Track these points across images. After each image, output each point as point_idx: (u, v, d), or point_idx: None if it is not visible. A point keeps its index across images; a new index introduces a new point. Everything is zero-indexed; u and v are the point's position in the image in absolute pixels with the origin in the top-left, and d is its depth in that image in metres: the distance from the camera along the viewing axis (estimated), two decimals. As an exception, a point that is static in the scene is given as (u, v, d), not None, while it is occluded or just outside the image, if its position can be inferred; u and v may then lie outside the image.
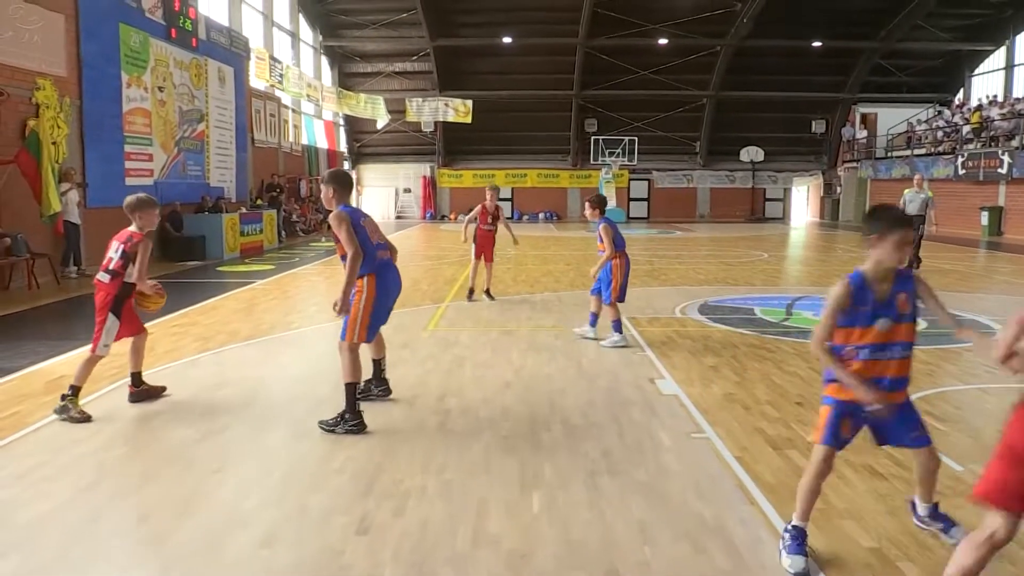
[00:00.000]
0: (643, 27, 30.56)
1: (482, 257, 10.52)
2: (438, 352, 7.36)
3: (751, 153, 35.50)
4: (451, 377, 6.44)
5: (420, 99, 32.77)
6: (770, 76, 33.05)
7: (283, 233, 21.79)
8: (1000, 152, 24.18)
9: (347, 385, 4.96)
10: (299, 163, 27.43)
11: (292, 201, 25.05)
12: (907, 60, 32.25)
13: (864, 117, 34.83)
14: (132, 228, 5.45)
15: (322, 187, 4.99)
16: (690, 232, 25.88)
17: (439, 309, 9.79)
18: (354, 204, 5.03)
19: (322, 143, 30.66)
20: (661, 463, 4.46)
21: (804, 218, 37.55)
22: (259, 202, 21.83)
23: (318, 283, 12.74)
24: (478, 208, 10.65)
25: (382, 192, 36.47)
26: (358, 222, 4.85)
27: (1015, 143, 24.21)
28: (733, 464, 4.43)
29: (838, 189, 35.25)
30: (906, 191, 14.50)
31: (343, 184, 4.94)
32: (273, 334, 8.21)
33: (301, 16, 29.94)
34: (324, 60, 32.64)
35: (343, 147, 34.73)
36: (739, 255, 17.69)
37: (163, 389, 5.85)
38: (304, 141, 28.24)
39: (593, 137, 34.16)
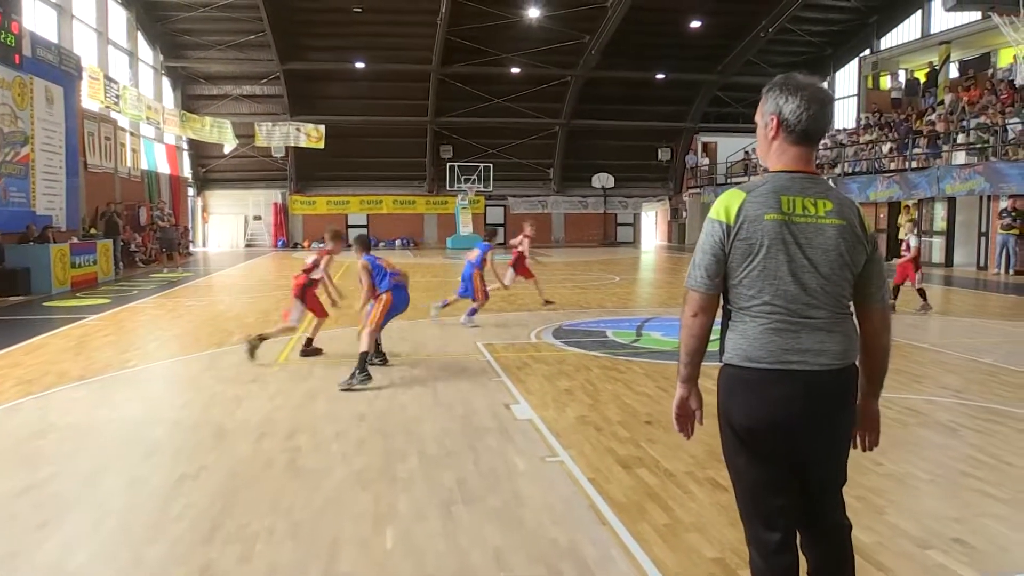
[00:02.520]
0: (496, 56, 31.25)
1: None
2: (289, 386, 7.13)
3: (602, 179, 36.94)
4: (302, 412, 6.25)
5: (270, 123, 31.90)
6: (618, 106, 34.63)
7: (120, 264, 20.50)
8: (826, 178, 26.35)
9: (361, 353, 7.14)
10: (138, 189, 25.96)
11: (130, 230, 23.64)
12: (742, 92, 34.67)
13: (705, 145, 37.10)
14: None
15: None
16: (546, 256, 26.46)
17: (290, 341, 9.50)
18: (371, 253, 7.89)
19: (164, 168, 29.19)
20: (516, 489, 4.51)
21: (653, 242, 39.44)
22: (93, 231, 20.44)
23: (159, 317, 12.04)
24: (526, 241, 13.05)
25: (230, 219, 35.09)
26: (374, 262, 7.75)
27: (837, 170, 26.52)
28: (586, 485, 4.54)
29: (684, 214, 37.27)
30: None
31: (363, 244, 7.97)
32: (107, 374, 7.69)
33: (140, 34, 28.52)
34: (166, 81, 31.18)
35: (187, 172, 33.20)
36: (592, 279, 18.30)
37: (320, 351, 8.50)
38: (144, 166, 26.78)
39: (449, 163, 34.47)
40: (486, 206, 36.36)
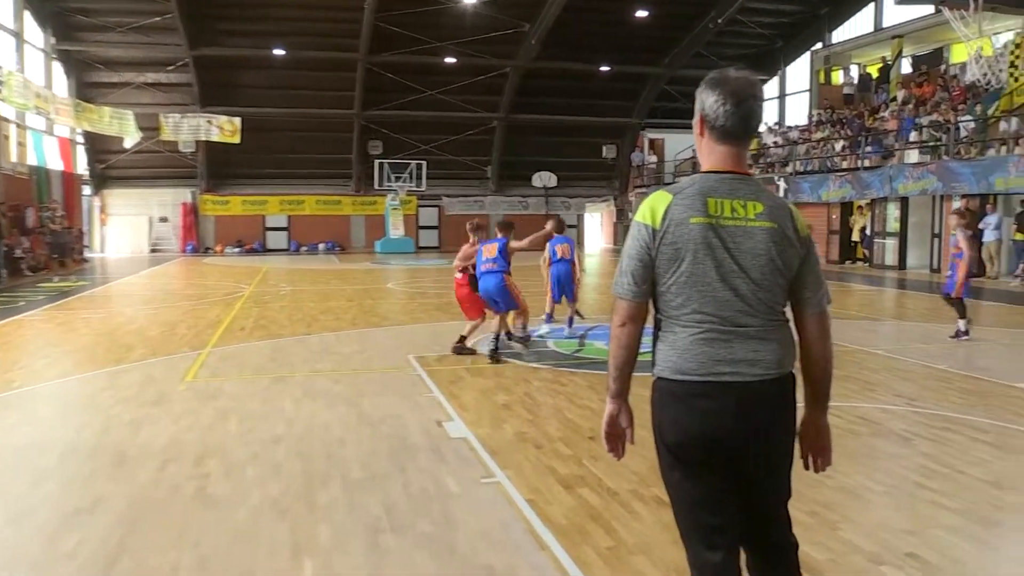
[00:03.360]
0: (429, 44, 31.18)
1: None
2: (197, 406, 6.96)
3: (543, 178, 37.19)
4: (212, 434, 6.11)
5: (178, 115, 31.13)
6: (560, 99, 34.92)
7: (3, 272, 19.73)
8: (776, 178, 27.05)
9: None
10: (26, 187, 25.04)
11: (16, 233, 22.78)
12: (691, 87, 34.91)
13: (652, 142, 37.71)
14: None
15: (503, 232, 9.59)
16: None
17: (200, 357, 9.29)
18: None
19: (55, 164, 28.24)
20: (449, 513, 4.48)
21: (598, 244, 39.87)
22: (-29, 235, 19.65)
23: (48, 332, 11.63)
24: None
25: (132, 222, 34.14)
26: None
27: (789, 169, 27.24)
28: (524, 508, 4.55)
29: (630, 215, 37.77)
30: None
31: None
32: (-13, 395, 7.39)
33: (28, 14, 27.58)
34: (58, 66, 30.20)
35: (82, 169, 32.19)
36: (534, 284, 18.34)
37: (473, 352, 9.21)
38: (32, 161, 25.86)
39: (378, 160, 34.20)
40: (418, 207, 36.25)
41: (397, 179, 34.07)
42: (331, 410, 6.81)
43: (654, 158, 37.19)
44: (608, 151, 37.86)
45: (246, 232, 34.78)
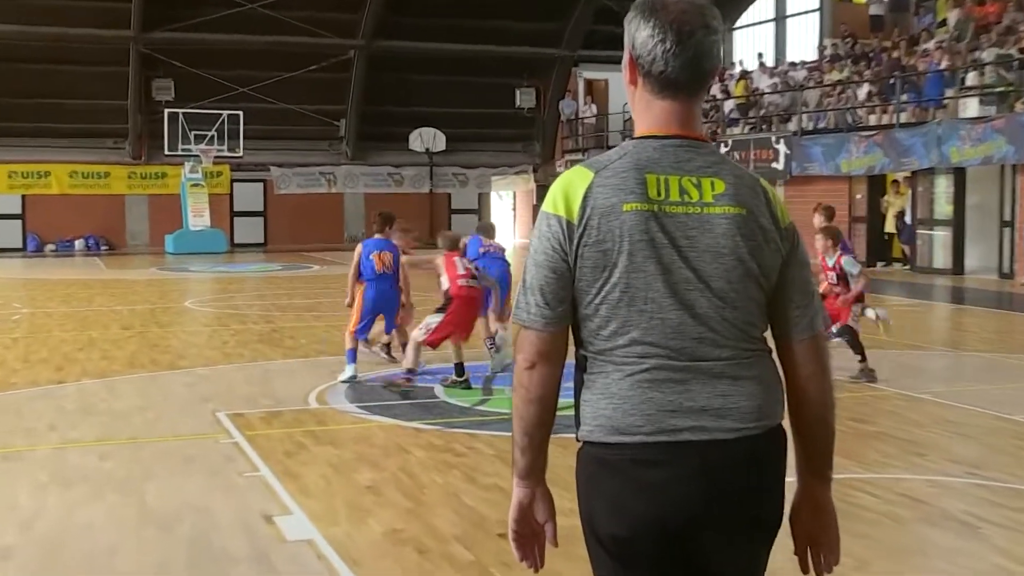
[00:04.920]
0: (247, -69, 30.92)
1: None
2: None
3: (427, 138, 37.16)
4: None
5: None
6: (450, 19, 34.93)
7: None
8: (774, 139, 27.74)
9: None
10: None
11: None
12: (645, 3, 35.92)
13: (591, 85, 38.13)
14: None
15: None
16: (334, 267, 26.31)
17: None
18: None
19: None
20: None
21: (510, 239, 39.89)
22: None
23: None
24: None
25: None
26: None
27: (792, 126, 27.91)
28: (403, 648, 4.49)
29: (558, 195, 38.03)
30: None
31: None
32: None
33: None
34: None
35: None
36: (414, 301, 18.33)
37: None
38: None
39: (169, 110, 33.58)
40: (233, 182, 35.79)
41: (200, 139, 33.55)
42: (95, 502, 6.64)
43: (594, 108, 37.58)
44: (524, 98, 38.06)
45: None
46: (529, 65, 37.53)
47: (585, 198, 2.42)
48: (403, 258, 11.04)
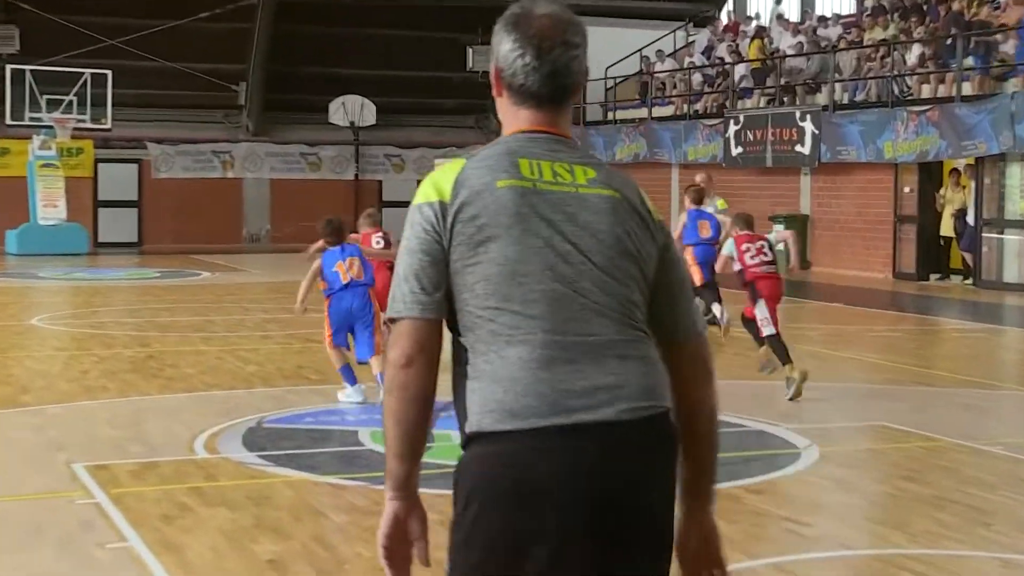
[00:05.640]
0: None
1: None
2: None
3: (352, 109, 37.10)
4: None
5: None
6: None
7: None
8: (798, 115, 27.88)
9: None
10: None
11: None
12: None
13: (563, 42, 38.22)
14: None
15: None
16: (230, 274, 26.23)
17: None
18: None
19: None
20: None
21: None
22: None
23: None
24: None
25: None
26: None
27: (822, 98, 28.03)
28: None
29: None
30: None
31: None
32: None
33: None
34: None
35: None
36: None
37: None
38: None
39: (12, 67, 33.43)
40: (97, 163, 35.58)
41: (54, 106, 33.39)
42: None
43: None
44: (478, 58, 38.02)
45: None
46: (485, 15, 37.36)
47: (457, 181, 2.88)
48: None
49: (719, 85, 31.94)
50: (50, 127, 33.46)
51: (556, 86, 2.97)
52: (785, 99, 29.48)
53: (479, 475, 2.81)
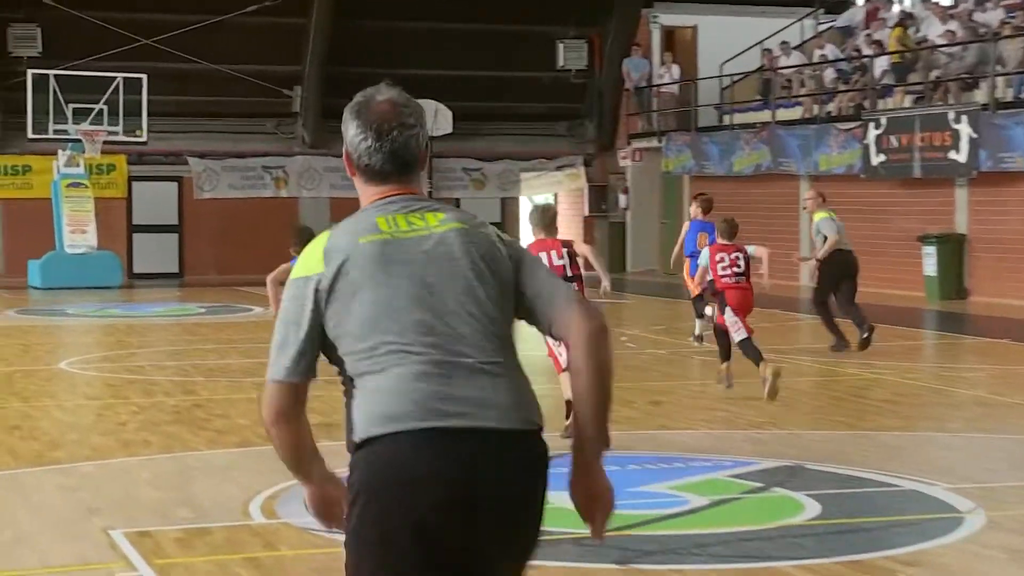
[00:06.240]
0: None
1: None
2: None
3: (425, 117, 37.23)
4: None
5: None
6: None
7: None
8: (952, 115, 27.68)
9: None
10: None
11: None
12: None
13: (671, 36, 38.25)
14: None
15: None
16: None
17: None
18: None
19: None
20: None
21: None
22: None
23: None
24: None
25: None
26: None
27: (981, 95, 27.84)
28: None
29: (622, 199, 37.97)
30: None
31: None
32: None
33: None
34: None
35: None
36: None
37: None
38: None
39: (34, 72, 33.79)
40: (132, 182, 35.92)
41: (81, 116, 33.70)
42: None
43: (675, 70, 37.62)
44: (570, 55, 38.12)
45: None
46: (577, 5, 37.60)
47: (325, 251, 3.69)
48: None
49: (856, 82, 31.75)
50: (77, 141, 33.70)
51: (397, 163, 3.83)
52: (935, 97, 29.23)
53: (365, 472, 3.56)
